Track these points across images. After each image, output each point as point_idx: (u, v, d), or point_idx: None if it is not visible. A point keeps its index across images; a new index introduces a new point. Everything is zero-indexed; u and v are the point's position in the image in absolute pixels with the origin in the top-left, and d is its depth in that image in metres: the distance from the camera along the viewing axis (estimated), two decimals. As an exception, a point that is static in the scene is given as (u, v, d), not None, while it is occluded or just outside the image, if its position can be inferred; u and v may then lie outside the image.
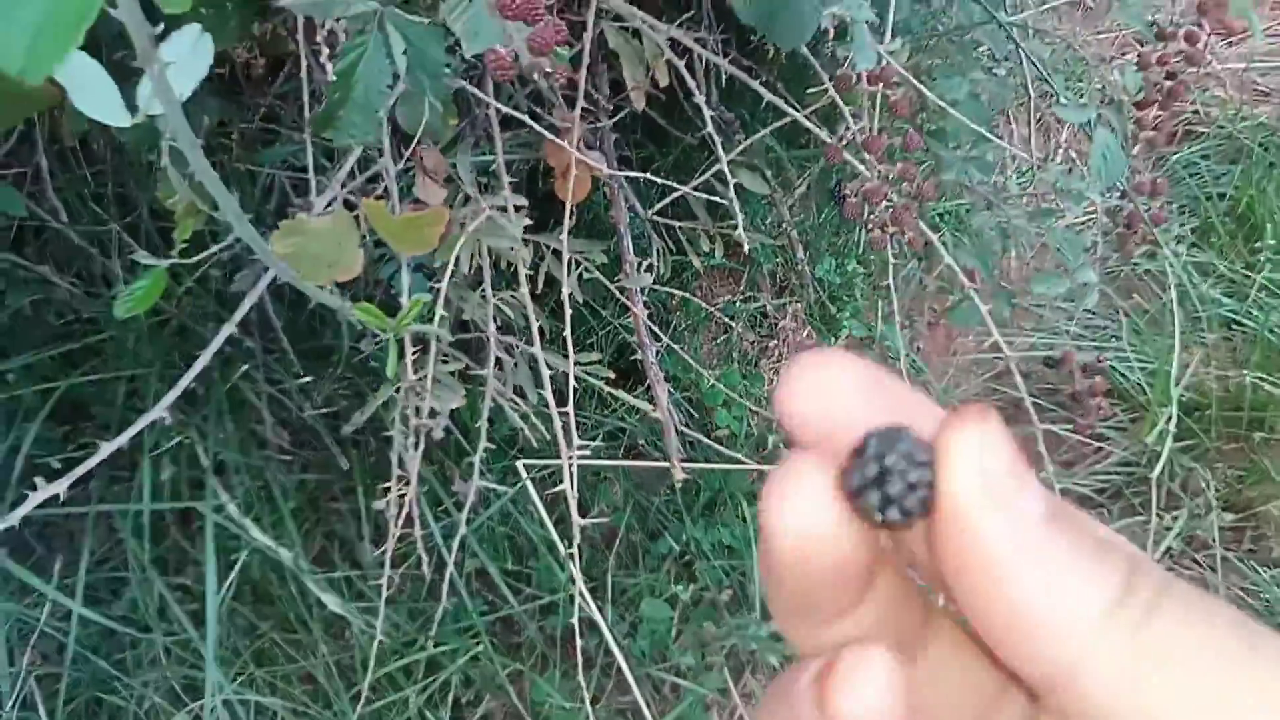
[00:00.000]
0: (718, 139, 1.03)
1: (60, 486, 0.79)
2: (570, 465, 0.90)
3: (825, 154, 0.89)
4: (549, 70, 0.68)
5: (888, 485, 0.19)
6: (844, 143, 0.89)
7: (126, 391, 1.31)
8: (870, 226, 0.89)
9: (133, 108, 0.47)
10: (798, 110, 1.18)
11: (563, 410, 0.92)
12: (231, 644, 1.21)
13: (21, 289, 1.29)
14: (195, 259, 0.67)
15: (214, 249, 0.71)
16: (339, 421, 1.40)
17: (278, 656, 1.24)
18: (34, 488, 1.09)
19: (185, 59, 0.46)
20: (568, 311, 0.99)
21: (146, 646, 1.20)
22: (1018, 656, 0.19)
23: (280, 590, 1.26)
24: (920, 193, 0.88)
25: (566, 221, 0.98)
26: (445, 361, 1.24)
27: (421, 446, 0.93)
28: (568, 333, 1.01)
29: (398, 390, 1.28)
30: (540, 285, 1.18)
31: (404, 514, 1.16)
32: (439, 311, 1.14)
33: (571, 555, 0.90)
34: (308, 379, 1.32)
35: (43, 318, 1.34)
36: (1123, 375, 1.67)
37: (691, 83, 1.02)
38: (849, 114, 1.01)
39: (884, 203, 0.88)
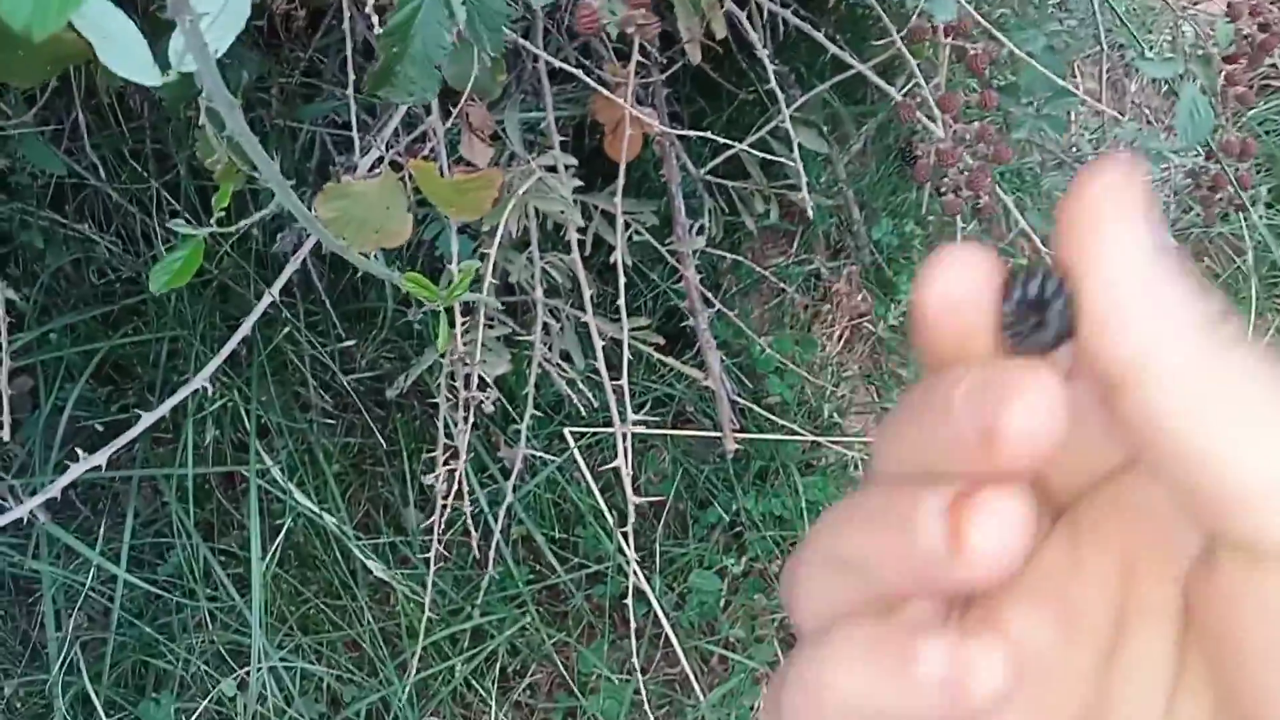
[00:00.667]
0: (780, 94, 0.98)
1: (102, 457, 0.77)
2: (625, 439, 0.86)
3: (897, 112, 0.83)
4: (642, 22, 0.63)
5: (1032, 316, 0.19)
6: (917, 100, 0.83)
7: (168, 352, 1.30)
8: (943, 190, 0.84)
9: (165, 64, 0.43)
10: (860, 63, 1.12)
11: (615, 381, 0.88)
12: (277, 609, 1.19)
13: (61, 248, 1.27)
14: (235, 227, 0.63)
15: (255, 216, 0.67)
16: (382, 384, 1.38)
17: (323, 623, 1.23)
18: (77, 450, 1.07)
19: (221, 11, 0.42)
20: (621, 278, 0.95)
21: (191, 611, 1.20)
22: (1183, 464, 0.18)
23: (325, 555, 1.25)
24: (997, 154, 0.82)
25: (620, 181, 0.93)
26: (491, 326, 1.21)
27: (471, 419, 0.90)
28: (621, 300, 0.97)
29: (443, 356, 1.25)
30: (588, 247, 1.14)
31: (451, 489, 1.13)
32: (487, 277, 1.10)
33: (625, 534, 0.86)
34: (351, 342, 1.30)
35: (83, 277, 1.32)
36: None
37: (753, 35, 0.97)
38: (917, 69, 0.95)
39: (958, 165, 0.83)
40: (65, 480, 0.77)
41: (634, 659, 1.08)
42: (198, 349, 1.25)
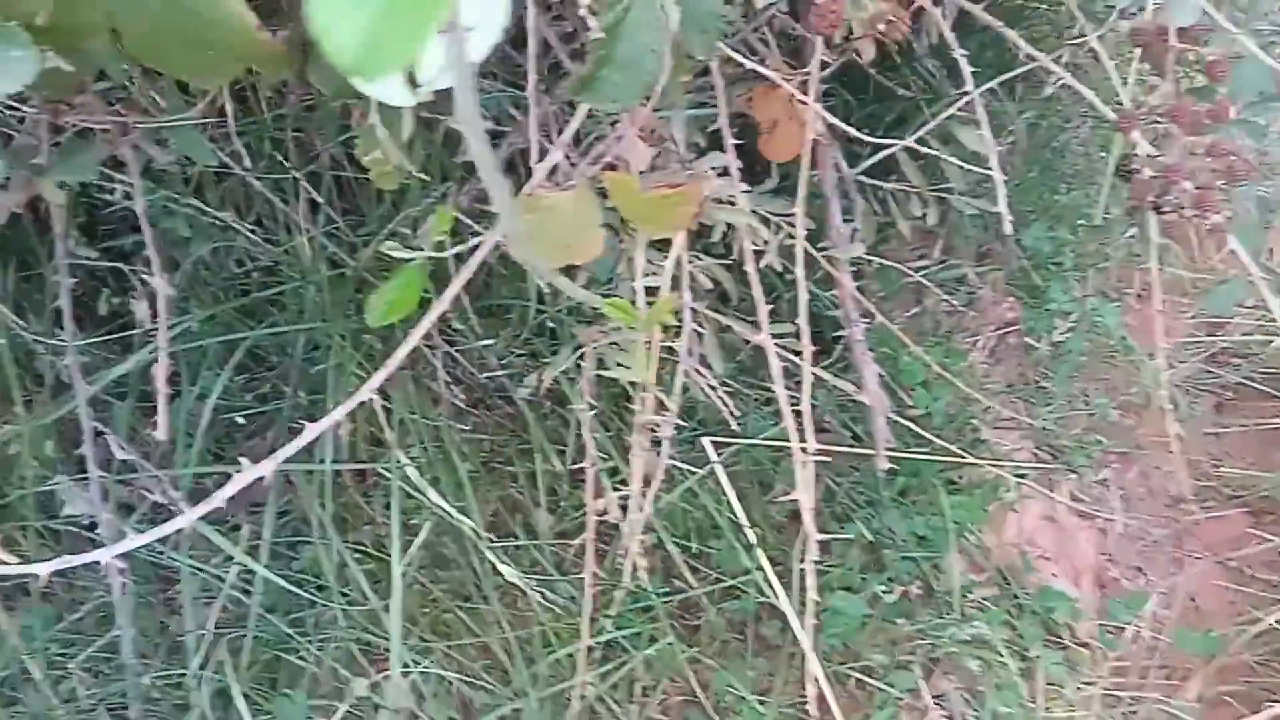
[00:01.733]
0: (965, 87, 0.91)
1: (266, 468, 0.74)
2: (805, 464, 0.80)
3: (1119, 125, 0.76)
4: (893, 19, 0.58)
5: None
6: (1138, 109, 0.76)
7: (306, 342, 1.28)
8: (1163, 209, 0.76)
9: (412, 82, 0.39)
10: (1046, 58, 1.04)
11: (795, 401, 0.83)
12: (407, 610, 1.17)
13: (204, 237, 1.27)
14: (452, 251, 0.59)
15: (481, 240, 0.63)
16: (513, 381, 1.35)
17: (453, 625, 1.21)
18: (223, 436, 1.06)
19: (481, 19, 0.38)
20: (757, 286, 0.89)
21: (323, 608, 1.18)
22: None
23: (456, 555, 1.23)
24: (1232, 171, 0.74)
25: (800, 185, 0.88)
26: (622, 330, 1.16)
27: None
28: (762, 308, 0.91)
29: (580, 357, 1.21)
30: (736, 250, 1.09)
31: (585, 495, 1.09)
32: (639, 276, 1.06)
33: (804, 570, 0.81)
34: (490, 341, 1.27)
35: (222, 265, 1.32)
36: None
37: (945, 29, 0.90)
38: (1126, 76, 0.87)
39: (1184, 181, 0.75)
40: (229, 491, 0.75)
41: (775, 681, 1.03)
42: (336, 340, 1.23)
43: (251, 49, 0.63)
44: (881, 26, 0.65)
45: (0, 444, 1.13)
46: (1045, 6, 1.47)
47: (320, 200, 1.26)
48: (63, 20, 0.58)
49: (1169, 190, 0.75)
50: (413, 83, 0.40)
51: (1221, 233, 0.75)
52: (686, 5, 0.58)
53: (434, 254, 0.61)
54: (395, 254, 0.61)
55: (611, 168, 0.78)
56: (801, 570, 1.22)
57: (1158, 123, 0.76)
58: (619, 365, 1.13)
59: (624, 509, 1.19)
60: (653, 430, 0.89)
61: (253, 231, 1.30)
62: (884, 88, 1.35)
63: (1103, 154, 1.58)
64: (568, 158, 0.76)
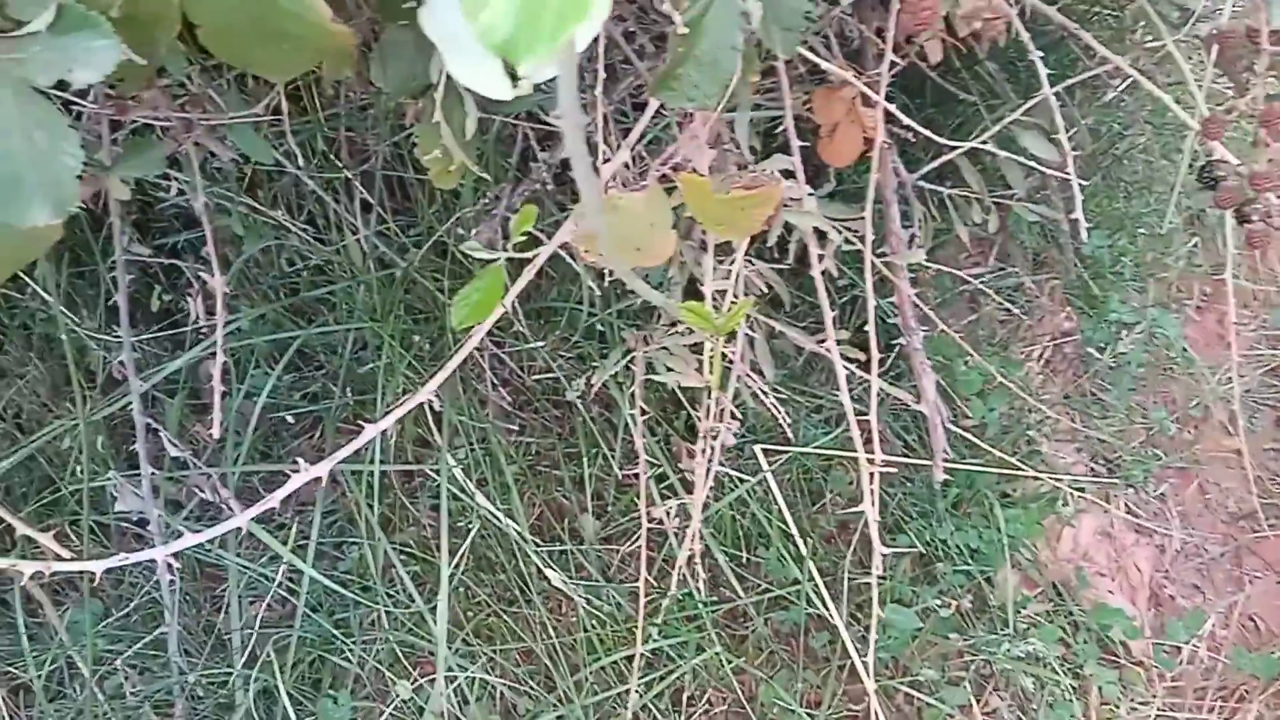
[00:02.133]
0: (1029, 91, 0.88)
1: (322, 469, 0.73)
2: (871, 481, 0.78)
3: (1203, 131, 0.73)
4: (990, 16, 0.56)
5: None
6: (1230, 114, 0.73)
7: (354, 342, 1.28)
8: (1251, 218, 0.74)
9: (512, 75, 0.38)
10: (1122, 60, 1.01)
11: (861, 414, 0.81)
12: (452, 614, 1.16)
13: (256, 235, 1.27)
14: (533, 252, 0.58)
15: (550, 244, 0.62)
16: (560, 384, 1.34)
17: (498, 629, 1.19)
18: (270, 434, 1.05)
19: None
20: (822, 291, 0.87)
21: (368, 609, 1.18)
22: None
23: (502, 558, 1.22)
24: (1323, 180, 0.72)
25: (869, 190, 0.86)
26: (679, 333, 1.15)
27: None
28: (830, 313, 0.89)
29: (630, 361, 1.20)
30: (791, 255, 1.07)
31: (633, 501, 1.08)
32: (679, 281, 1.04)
33: (855, 581, 0.79)
34: (540, 343, 1.26)
35: (273, 263, 1.32)
36: None
37: (1020, 28, 0.87)
38: (1199, 78, 0.85)
39: (1272, 191, 0.73)
40: (283, 493, 0.74)
41: (825, 693, 1.01)
42: (385, 342, 1.23)
43: (326, 41, 0.62)
44: (978, 24, 0.63)
45: (53, 439, 1.14)
46: (1108, 10, 1.43)
47: (372, 201, 1.25)
48: (138, 10, 0.57)
49: (1256, 199, 0.72)
50: (512, 76, 0.38)
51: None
52: (769, 2, 0.57)
53: (517, 255, 0.60)
54: (478, 254, 0.60)
55: (677, 168, 0.76)
56: (851, 581, 1.20)
57: (1242, 129, 0.74)
58: (669, 370, 1.12)
59: (673, 515, 1.17)
60: (713, 437, 0.88)
61: (304, 230, 1.30)
62: (943, 91, 1.32)
63: (1164, 161, 1.54)
64: (633, 159, 0.74)
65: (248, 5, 0.55)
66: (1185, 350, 1.49)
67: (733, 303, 1.05)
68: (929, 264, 1.31)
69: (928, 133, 0.98)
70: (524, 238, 0.57)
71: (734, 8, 0.57)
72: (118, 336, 1.09)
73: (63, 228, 0.57)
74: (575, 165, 0.40)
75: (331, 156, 1.26)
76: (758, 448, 1.15)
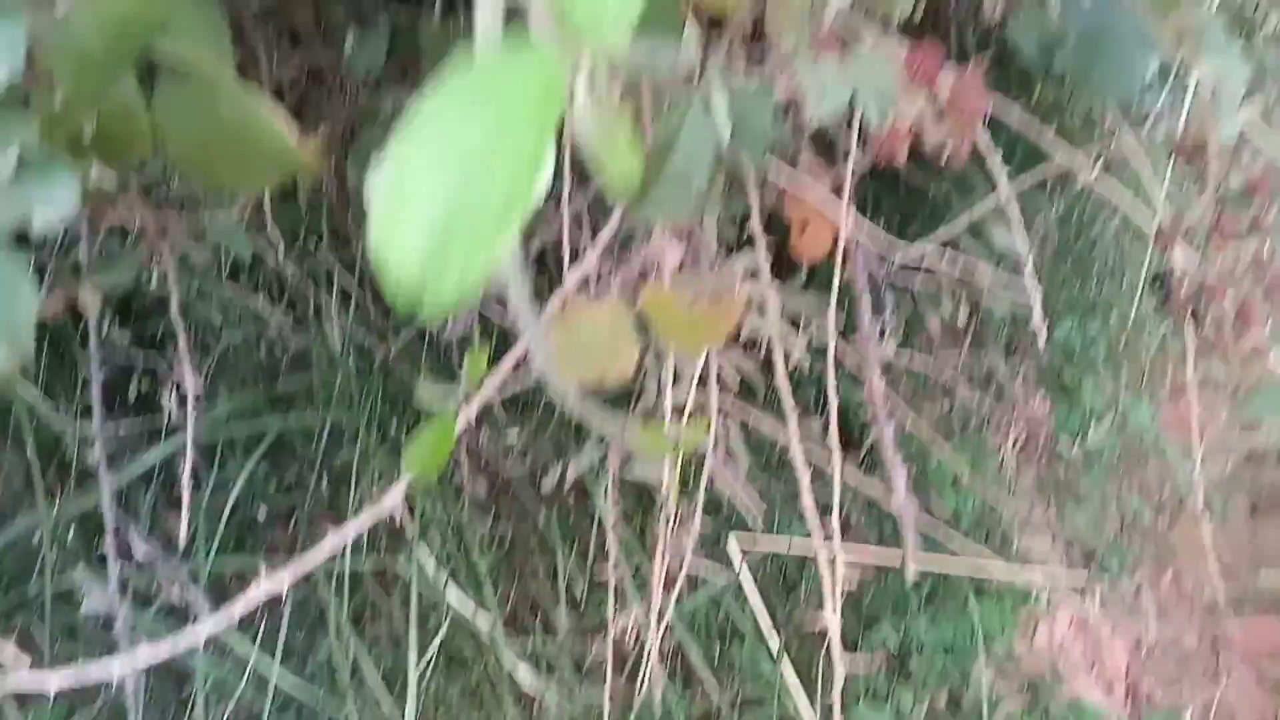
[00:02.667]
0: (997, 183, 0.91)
1: (285, 580, 0.73)
2: (834, 573, 0.78)
3: (1157, 242, 0.75)
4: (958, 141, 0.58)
5: None
6: (1176, 224, 0.75)
7: (330, 430, 1.28)
8: (1203, 324, 0.75)
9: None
10: (1083, 160, 1.04)
11: (827, 530, 0.81)
12: (422, 714, 1.15)
13: (235, 323, 1.28)
14: (481, 394, 0.59)
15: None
16: (535, 473, 1.34)
17: (468, 727, 1.18)
18: (244, 524, 1.04)
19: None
20: (786, 386, 0.88)
21: (336, 708, 1.16)
22: None
23: (473, 654, 1.20)
24: (1276, 283, 0.73)
25: (833, 287, 0.87)
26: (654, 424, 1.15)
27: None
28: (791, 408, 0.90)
29: (603, 456, 1.20)
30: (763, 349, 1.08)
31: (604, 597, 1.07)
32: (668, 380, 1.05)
33: (830, 707, 0.79)
34: (514, 429, 1.26)
35: (252, 352, 1.32)
36: None
37: (982, 142, 0.90)
38: (1155, 182, 0.87)
39: (1223, 299, 0.74)
40: (247, 604, 0.73)
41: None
42: (361, 430, 1.23)
43: (290, 159, 0.63)
44: (946, 141, 0.66)
45: (22, 536, 1.13)
46: (1078, 105, 1.47)
47: (351, 292, 1.26)
48: (110, 132, 0.59)
49: (1209, 305, 0.74)
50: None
51: (1263, 350, 0.74)
52: (738, 122, 0.58)
53: (470, 404, 0.61)
54: (432, 404, 0.61)
55: (643, 273, 0.77)
56: (826, 678, 1.19)
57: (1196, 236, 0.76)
58: (639, 466, 1.12)
59: (648, 613, 1.17)
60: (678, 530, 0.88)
61: (284, 317, 1.30)
62: (913, 182, 1.35)
63: (1137, 242, 1.57)
64: (599, 257, 0.76)
65: (213, 128, 0.57)
66: (1158, 437, 1.50)
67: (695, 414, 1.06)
68: (902, 352, 1.32)
69: (886, 233, 1.00)
70: (481, 374, 0.58)
71: (705, 128, 0.59)
72: (93, 429, 1.08)
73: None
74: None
75: (311, 247, 1.28)
76: (732, 540, 1.15)
